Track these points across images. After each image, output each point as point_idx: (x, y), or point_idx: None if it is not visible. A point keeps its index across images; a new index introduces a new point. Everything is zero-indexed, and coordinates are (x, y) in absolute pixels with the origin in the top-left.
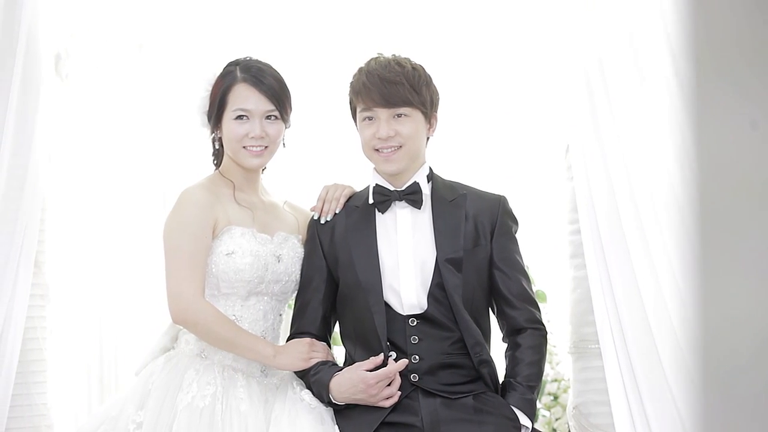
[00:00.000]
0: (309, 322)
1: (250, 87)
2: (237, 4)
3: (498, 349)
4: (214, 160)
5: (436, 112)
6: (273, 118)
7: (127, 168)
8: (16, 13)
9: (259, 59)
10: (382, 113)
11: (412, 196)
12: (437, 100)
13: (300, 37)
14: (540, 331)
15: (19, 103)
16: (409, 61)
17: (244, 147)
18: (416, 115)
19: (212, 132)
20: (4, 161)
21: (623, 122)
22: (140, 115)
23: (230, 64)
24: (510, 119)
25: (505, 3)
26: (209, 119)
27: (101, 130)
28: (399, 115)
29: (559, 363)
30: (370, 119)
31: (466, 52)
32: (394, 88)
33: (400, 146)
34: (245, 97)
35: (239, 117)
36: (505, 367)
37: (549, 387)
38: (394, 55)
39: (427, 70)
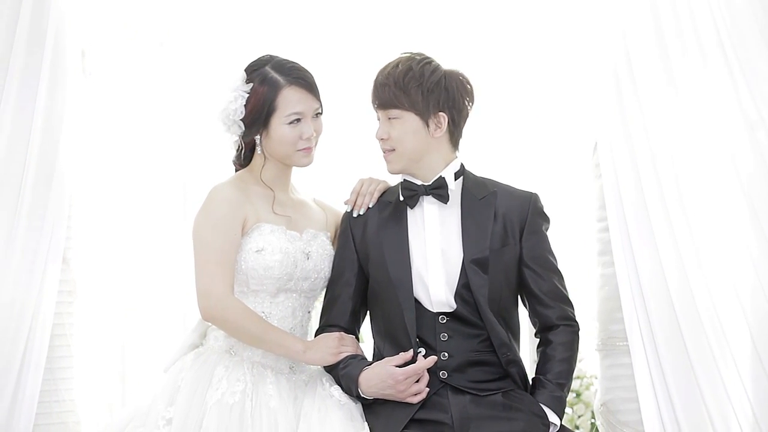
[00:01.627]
0: (338, 315)
1: (301, 89)
2: (258, 2)
3: (529, 345)
4: (234, 160)
5: (446, 111)
6: (318, 114)
7: (150, 164)
8: (44, 11)
9: (279, 56)
10: (381, 115)
11: (438, 190)
12: (443, 98)
13: (324, 33)
14: (572, 328)
15: (47, 100)
16: (414, 60)
17: (298, 149)
18: (408, 117)
19: (252, 136)
20: (32, 158)
21: (652, 119)
22: (161, 112)
23: (257, 68)
24: (538, 117)
25: (533, 0)
26: (251, 125)
27: (121, 126)
28: (392, 118)
29: (581, 360)
30: (378, 120)
31: (495, 51)
32: (382, 90)
33: (393, 149)
34: (298, 100)
35: (294, 121)
36: (536, 362)
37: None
38: (411, 54)
39: (433, 69)
